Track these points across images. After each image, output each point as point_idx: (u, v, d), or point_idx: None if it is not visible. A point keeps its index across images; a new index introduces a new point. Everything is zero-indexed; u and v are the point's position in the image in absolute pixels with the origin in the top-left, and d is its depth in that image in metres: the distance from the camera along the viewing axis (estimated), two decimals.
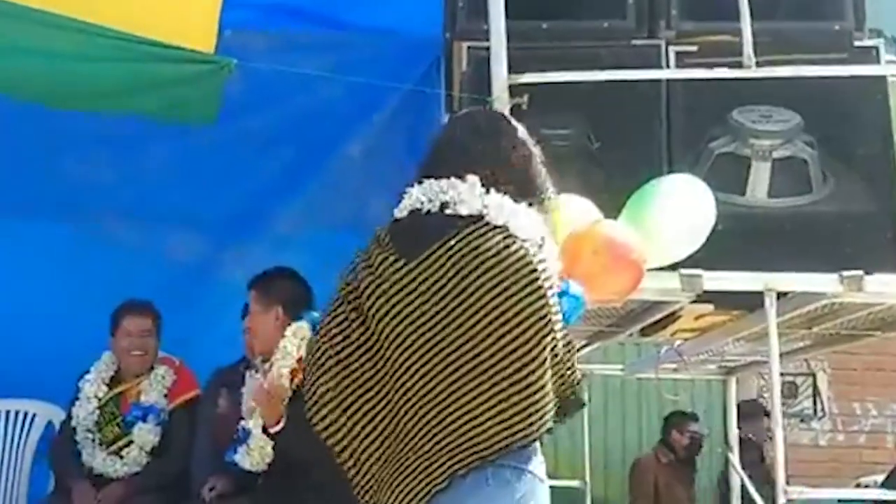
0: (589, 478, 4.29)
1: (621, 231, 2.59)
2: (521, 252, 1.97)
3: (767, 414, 5.49)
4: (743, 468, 5.01)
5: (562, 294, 2.09)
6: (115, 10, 3.22)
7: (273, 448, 3.47)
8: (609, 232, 2.56)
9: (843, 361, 7.57)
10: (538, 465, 1.97)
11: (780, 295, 2.80)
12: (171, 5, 3.40)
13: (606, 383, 6.93)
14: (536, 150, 2.17)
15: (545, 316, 1.95)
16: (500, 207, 2.04)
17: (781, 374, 7.81)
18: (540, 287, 1.96)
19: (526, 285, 1.95)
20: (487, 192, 2.05)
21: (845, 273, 2.72)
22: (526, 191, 2.10)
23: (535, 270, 1.97)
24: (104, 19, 3.18)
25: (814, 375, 7.90)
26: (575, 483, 4.44)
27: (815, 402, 7.93)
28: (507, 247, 1.97)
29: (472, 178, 2.06)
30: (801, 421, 7.96)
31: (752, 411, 6.61)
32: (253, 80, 3.78)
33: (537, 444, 1.95)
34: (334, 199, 4.49)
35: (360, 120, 4.35)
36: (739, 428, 5.01)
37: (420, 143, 4.39)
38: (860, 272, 2.72)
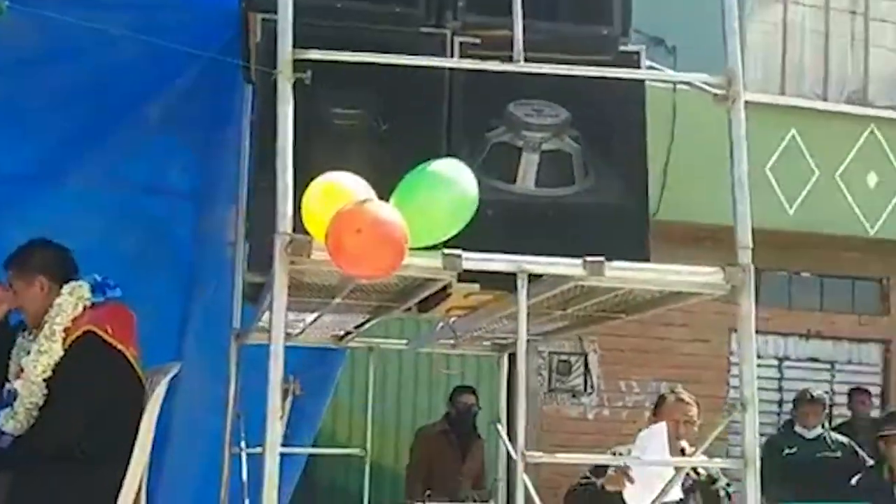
0: (370, 446, 4.45)
1: (385, 210, 2.74)
2: None
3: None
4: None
5: None
6: None
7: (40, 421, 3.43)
8: (374, 211, 2.72)
9: (612, 343, 8.29)
10: None
11: (534, 277, 2.99)
12: None
13: (386, 357, 7.17)
14: None
15: None
16: None
17: (556, 353, 8.61)
18: None
19: None
20: None
21: (589, 259, 2.90)
22: None
23: None
24: None
25: (585, 355, 8.50)
26: (356, 450, 4.59)
27: (585, 380, 8.55)
28: None
29: None
30: (573, 396, 8.57)
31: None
32: (51, 31, 3.72)
33: None
34: (131, 161, 4.47)
35: (161, 84, 4.33)
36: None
37: (221, 112, 4.45)
38: (601, 258, 2.91)
